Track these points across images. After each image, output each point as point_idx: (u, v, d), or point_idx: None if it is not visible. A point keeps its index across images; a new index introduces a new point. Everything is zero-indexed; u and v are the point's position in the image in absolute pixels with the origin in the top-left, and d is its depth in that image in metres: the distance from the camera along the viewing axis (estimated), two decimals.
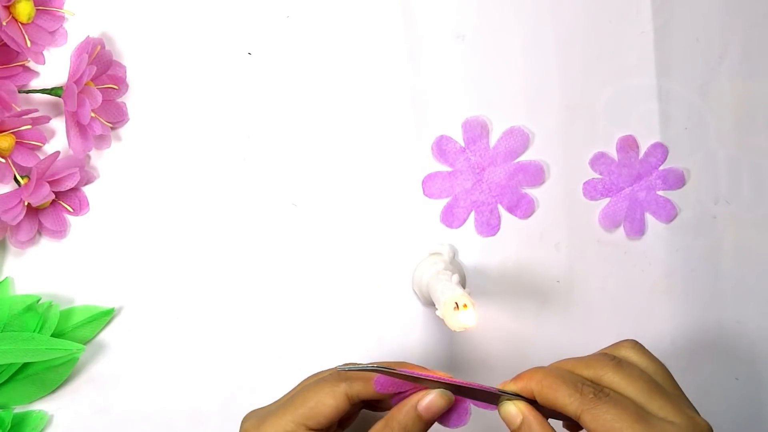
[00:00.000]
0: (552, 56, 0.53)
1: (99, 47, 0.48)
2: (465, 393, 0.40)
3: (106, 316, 0.50)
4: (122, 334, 0.51)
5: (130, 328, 0.51)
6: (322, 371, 0.42)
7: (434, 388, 0.40)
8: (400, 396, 0.40)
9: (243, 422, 0.41)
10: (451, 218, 0.52)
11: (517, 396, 0.39)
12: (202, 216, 0.51)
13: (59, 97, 0.48)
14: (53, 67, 0.49)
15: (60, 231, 0.50)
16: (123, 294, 0.50)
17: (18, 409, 0.49)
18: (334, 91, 0.52)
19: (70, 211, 0.50)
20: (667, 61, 0.54)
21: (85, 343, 0.49)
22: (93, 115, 0.47)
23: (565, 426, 0.42)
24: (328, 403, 0.39)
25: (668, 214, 0.55)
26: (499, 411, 0.40)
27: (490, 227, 0.53)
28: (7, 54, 0.47)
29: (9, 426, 0.48)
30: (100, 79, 0.49)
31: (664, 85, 0.54)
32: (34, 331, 0.48)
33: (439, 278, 0.46)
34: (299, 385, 0.42)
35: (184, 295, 0.51)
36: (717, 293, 0.55)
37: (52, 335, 0.48)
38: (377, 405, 0.42)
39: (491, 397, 0.40)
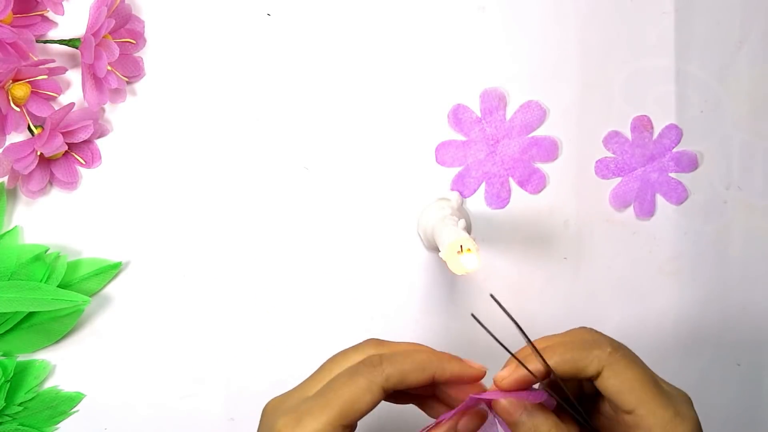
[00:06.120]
0: (572, 32, 0.53)
1: (118, 1, 0.47)
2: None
3: (112, 270, 0.50)
4: (128, 288, 0.51)
5: (136, 283, 0.51)
6: (350, 352, 0.39)
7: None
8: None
9: (271, 415, 0.37)
10: (461, 187, 0.52)
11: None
12: (213, 175, 0.51)
13: (76, 48, 0.48)
14: (72, 19, 0.49)
15: (71, 182, 0.50)
16: (131, 248, 0.51)
17: (21, 358, 0.49)
18: (352, 54, 0.52)
19: (82, 163, 0.50)
20: (686, 43, 0.54)
21: (90, 296, 0.50)
22: (109, 68, 0.47)
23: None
24: (366, 400, 0.36)
25: (679, 196, 0.54)
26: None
27: (500, 200, 0.53)
28: (26, 3, 0.47)
29: (12, 374, 0.48)
30: (118, 33, 0.49)
31: (682, 67, 0.54)
32: (40, 281, 0.48)
33: (445, 222, 0.46)
34: (326, 367, 0.39)
35: (191, 252, 0.51)
36: (723, 278, 0.55)
37: (59, 286, 0.48)
38: (400, 398, 0.40)
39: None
